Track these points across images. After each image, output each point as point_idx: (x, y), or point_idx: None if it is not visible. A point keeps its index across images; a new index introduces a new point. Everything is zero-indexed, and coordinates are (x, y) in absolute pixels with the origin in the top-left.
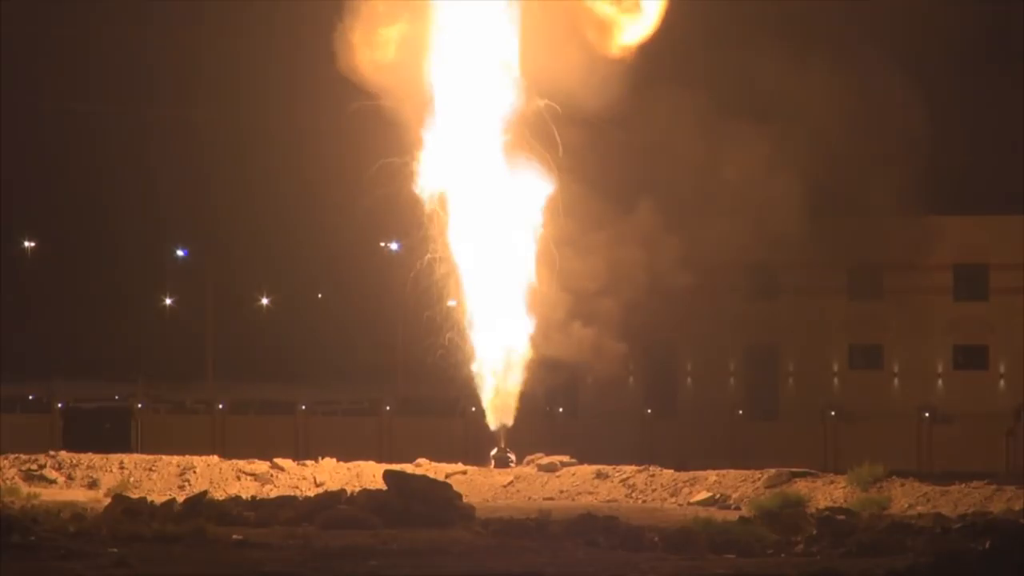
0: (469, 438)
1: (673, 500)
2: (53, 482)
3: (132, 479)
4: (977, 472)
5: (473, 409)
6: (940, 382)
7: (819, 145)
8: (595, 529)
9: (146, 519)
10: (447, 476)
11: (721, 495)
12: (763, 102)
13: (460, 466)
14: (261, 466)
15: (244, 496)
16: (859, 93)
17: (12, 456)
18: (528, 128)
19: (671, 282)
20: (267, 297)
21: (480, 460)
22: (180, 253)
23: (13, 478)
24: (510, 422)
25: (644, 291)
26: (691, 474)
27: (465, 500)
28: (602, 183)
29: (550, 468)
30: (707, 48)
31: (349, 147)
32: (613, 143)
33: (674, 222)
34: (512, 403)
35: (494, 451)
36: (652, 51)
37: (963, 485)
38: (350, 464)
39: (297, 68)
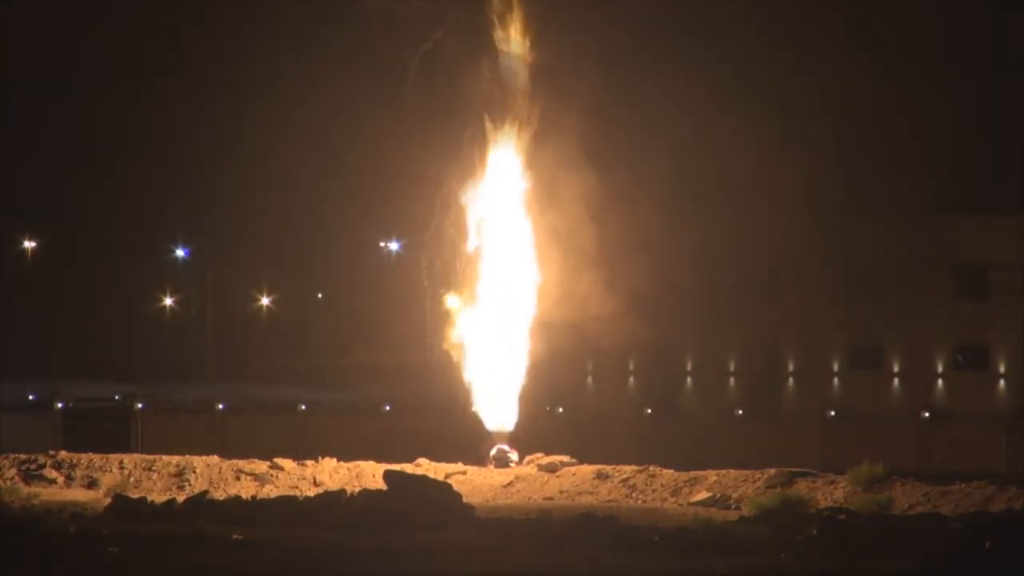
0: (469, 438)
1: (673, 500)
2: (53, 482)
3: (132, 479)
4: (977, 472)
5: (473, 409)
6: (940, 382)
7: (822, 146)
8: (595, 529)
9: (146, 519)
10: (447, 476)
11: (721, 495)
12: (767, 101)
13: (460, 466)
14: (261, 466)
15: (244, 496)
16: (862, 95)
17: (12, 456)
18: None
19: (674, 279)
20: (267, 297)
21: (480, 460)
22: (180, 253)
23: (13, 478)
24: (511, 422)
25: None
26: (691, 474)
27: (465, 500)
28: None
29: (550, 468)
30: (716, 43)
31: (350, 146)
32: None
33: (676, 220)
34: (513, 402)
35: (494, 451)
36: (661, 45)
37: (963, 485)
38: (350, 464)
39: (299, 67)
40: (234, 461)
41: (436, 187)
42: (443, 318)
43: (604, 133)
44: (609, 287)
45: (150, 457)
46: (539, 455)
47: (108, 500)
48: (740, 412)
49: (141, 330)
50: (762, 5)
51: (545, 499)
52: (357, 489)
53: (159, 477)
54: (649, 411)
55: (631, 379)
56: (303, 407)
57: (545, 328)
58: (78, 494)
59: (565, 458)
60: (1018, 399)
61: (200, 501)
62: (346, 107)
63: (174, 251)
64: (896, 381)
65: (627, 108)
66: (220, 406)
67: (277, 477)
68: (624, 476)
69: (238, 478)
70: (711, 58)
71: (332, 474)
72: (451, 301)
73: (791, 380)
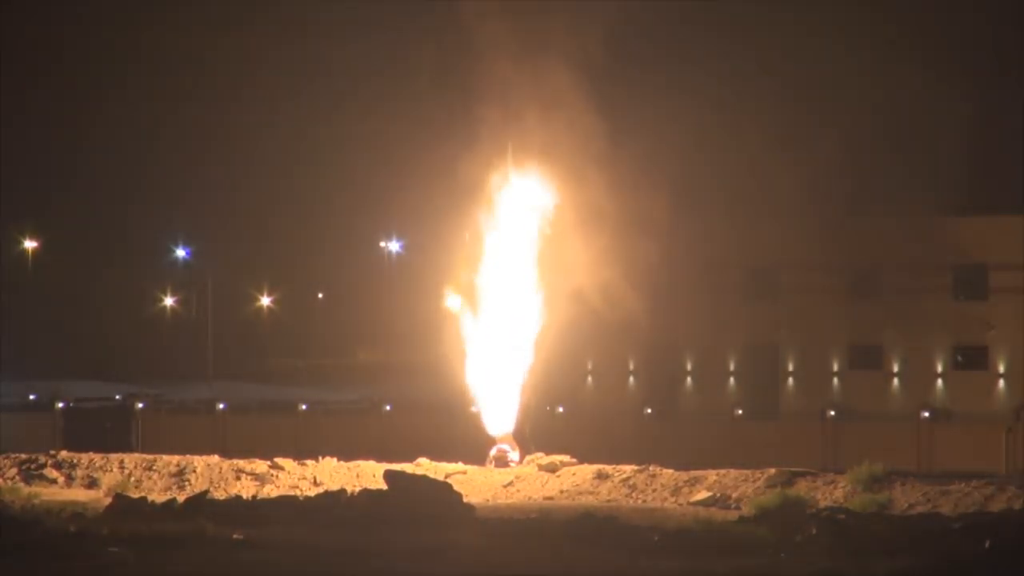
0: (469, 438)
1: (673, 500)
2: (53, 482)
3: (132, 479)
4: (977, 472)
5: (473, 409)
6: (940, 382)
7: (823, 146)
8: (595, 529)
9: (146, 519)
10: (447, 476)
11: (721, 495)
12: (769, 100)
13: (460, 466)
14: (261, 466)
15: (244, 496)
16: (863, 94)
17: (12, 456)
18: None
19: (675, 279)
20: (267, 297)
21: (480, 460)
22: (180, 253)
23: (14, 478)
24: (511, 422)
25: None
26: (691, 474)
27: (465, 500)
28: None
29: (550, 468)
30: (720, 40)
31: (350, 147)
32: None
33: (677, 218)
34: (515, 402)
35: (494, 451)
36: (661, 43)
37: (963, 485)
38: (350, 464)
39: (300, 67)
40: (234, 461)
41: (440, 181)
42: (445, 315)
43: (606, 130)
44: (615, 260)
45: (150, 457)
46: (539, 455)
47: (108, 500)
48: (740, 412)
49: (141, 330)
50: (765, 4)
51: (545, 499)
52: (357, 489)
53: (159, 477)
54: (649, 411)
55: (631, 379)
56: (303, 407)
57: (551, 296)
58: (79, 494)
59: (565, 458)
60: (1018, 399)
61: (200, 501)
62: (347, 108)
63: (175, 251)
64: (896, 381)
65: (629, 105)
66: (220, 406)
67: (277, 477)
68: (624, 476)
69: (238, 478)
70: (714, 56)
71: (332, 474)
72: (452, 300)
73: (791, 380)
